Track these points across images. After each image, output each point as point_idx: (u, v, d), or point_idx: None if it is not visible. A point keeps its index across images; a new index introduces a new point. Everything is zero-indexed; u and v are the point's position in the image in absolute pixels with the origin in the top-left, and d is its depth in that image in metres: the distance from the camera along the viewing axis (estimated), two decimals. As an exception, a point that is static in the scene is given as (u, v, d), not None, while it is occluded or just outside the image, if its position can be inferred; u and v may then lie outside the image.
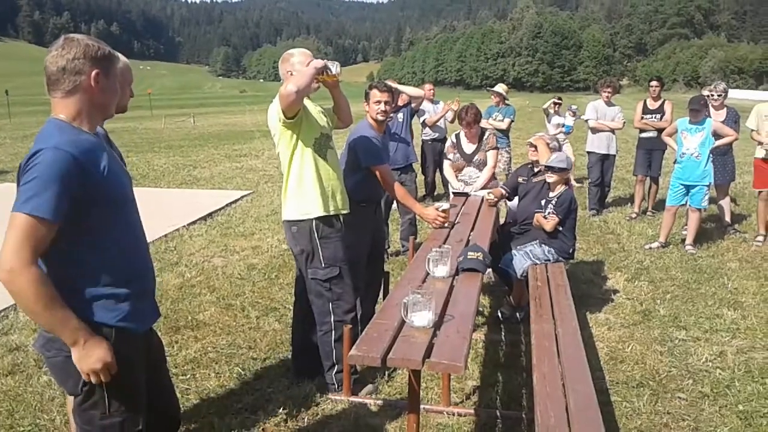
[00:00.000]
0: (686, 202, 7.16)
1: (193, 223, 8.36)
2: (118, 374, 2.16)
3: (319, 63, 3.57)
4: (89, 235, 2.09)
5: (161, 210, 8.92)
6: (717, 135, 7.12)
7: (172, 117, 33.98)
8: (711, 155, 7.06)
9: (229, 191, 10.94)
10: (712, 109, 7.69)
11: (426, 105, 9.29)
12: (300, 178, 3.71)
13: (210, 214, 8.89)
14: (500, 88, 9.95)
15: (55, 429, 3.49)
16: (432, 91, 9.56)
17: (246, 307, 5.38)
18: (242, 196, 10.33)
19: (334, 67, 3.67)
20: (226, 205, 9.61)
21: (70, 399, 2.54)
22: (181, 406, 3.70)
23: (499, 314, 5.21)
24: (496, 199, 5.67)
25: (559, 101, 11.32)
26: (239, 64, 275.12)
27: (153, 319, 2.40)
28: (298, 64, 3.67)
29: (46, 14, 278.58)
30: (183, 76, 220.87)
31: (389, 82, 6.48)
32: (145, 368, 2.35)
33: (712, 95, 7.80)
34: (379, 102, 4.39)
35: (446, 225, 4.72)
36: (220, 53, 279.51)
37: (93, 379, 2.11)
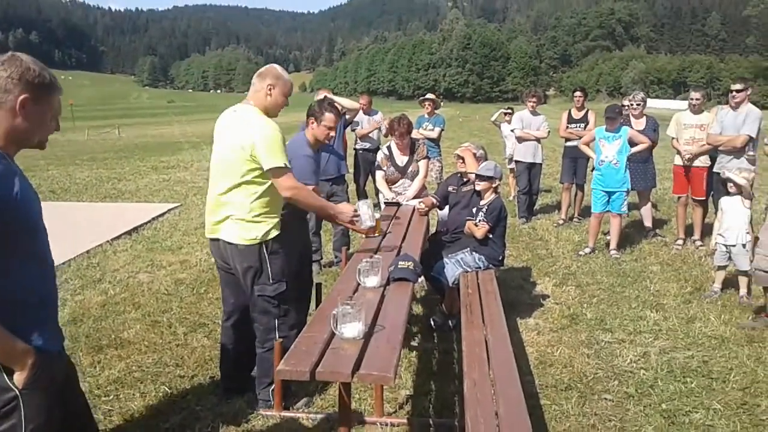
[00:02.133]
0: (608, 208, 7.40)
1: (118, 237, 8.06)
2: (36, 398, 2.10)
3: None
4: (7, 264, 2.01)
5: (83, 225, 8.60)
6: (633, 143, 7.40)
7: (96, 128, 32.94)
8: (629, 163, 7.32)
9: (156, 204, 10.63)
10: (632, 118, 7.99)
11: (361, 116, 9.28)
12: (262, 207, 3.55)
13: (135, 228, 8.59)
14: (431, 96, 10.10)
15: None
16: (365, 105, 9.56)
17: (173, 324, 5.21)
18: (169, 209, 10.04)
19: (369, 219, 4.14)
20: (153, 218, 9.32)
21: None
22: (104, 428, 3.56)
23: (432, 322, 5.22)
24: (427, 209, 5.70)
25: (509, 110, 11.36)
26: (167, 73, 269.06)
27: (61, 341, 2.33)
28: (281, 96, 3.63)
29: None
30: (108, 86, 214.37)
31: (324, 92, 6.45)
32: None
33: (632, 104, 8.09)
34: (331, 128, 4.41)
35: (376, 234, 4.71)
36: (146, 62, 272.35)
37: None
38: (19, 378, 2.06)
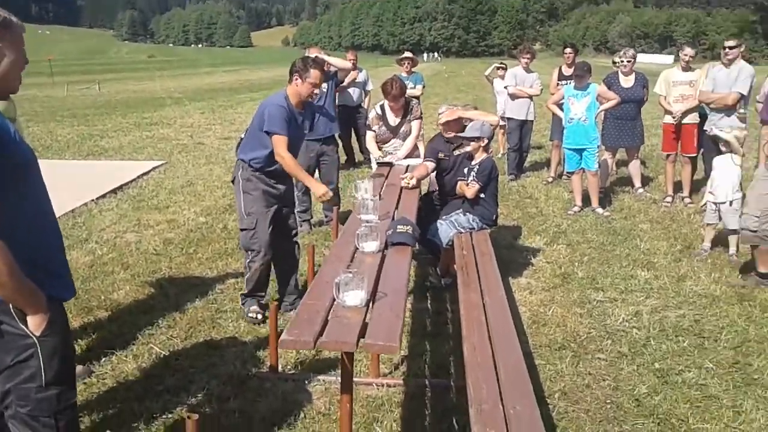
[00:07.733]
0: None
1: (103, 196, 7.93)
2: (52, 345, 2.12)
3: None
4: (12, 202, 2.01)
5: (67, 183, 8.40)
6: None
7: (75, 84, 32.08)
8: (618, 120, 7.34)
9: (141, 162, 10.45)
10: (621, 75, 7.91)
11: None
12: None
13: (120, 187, 8.45)
14: (409, 54, 10.04)
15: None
16: (353, 61, 9.38)
17: (163, 285, 5.15)
18: (154, 167, 9.87)
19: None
20: (138, 176, 9.16)
21: None
22: (98, 391, 3.54)
23: (428, 284, 5.22)
24: (416, 184, 5.26)
25: (503, 66, 10.91)
26: (147, 28, 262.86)
27: (73, 289, 2.33)
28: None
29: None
30: (86, 41, 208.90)
31: (315, 51, 6.30)
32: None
33: (622, 61, 8.00)
34: (316, 85, 4.34)
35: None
36: (125, 17, 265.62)
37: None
38: (32, 323, 2.05)
